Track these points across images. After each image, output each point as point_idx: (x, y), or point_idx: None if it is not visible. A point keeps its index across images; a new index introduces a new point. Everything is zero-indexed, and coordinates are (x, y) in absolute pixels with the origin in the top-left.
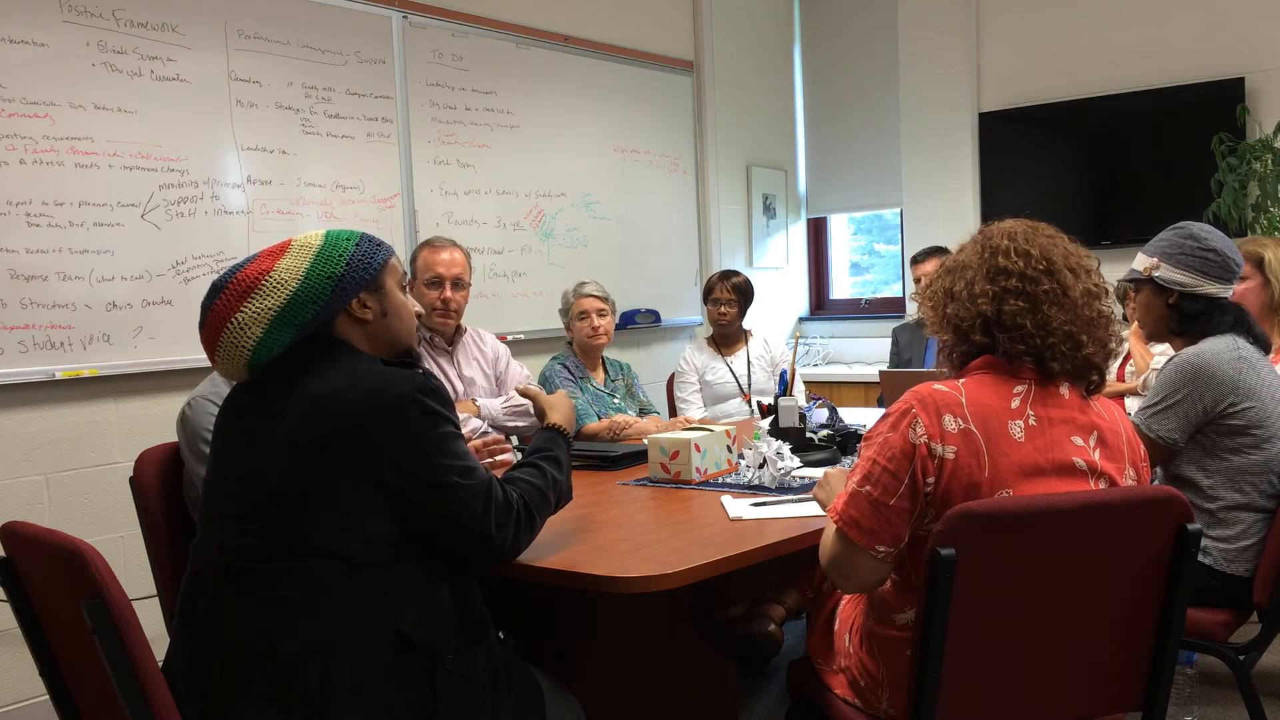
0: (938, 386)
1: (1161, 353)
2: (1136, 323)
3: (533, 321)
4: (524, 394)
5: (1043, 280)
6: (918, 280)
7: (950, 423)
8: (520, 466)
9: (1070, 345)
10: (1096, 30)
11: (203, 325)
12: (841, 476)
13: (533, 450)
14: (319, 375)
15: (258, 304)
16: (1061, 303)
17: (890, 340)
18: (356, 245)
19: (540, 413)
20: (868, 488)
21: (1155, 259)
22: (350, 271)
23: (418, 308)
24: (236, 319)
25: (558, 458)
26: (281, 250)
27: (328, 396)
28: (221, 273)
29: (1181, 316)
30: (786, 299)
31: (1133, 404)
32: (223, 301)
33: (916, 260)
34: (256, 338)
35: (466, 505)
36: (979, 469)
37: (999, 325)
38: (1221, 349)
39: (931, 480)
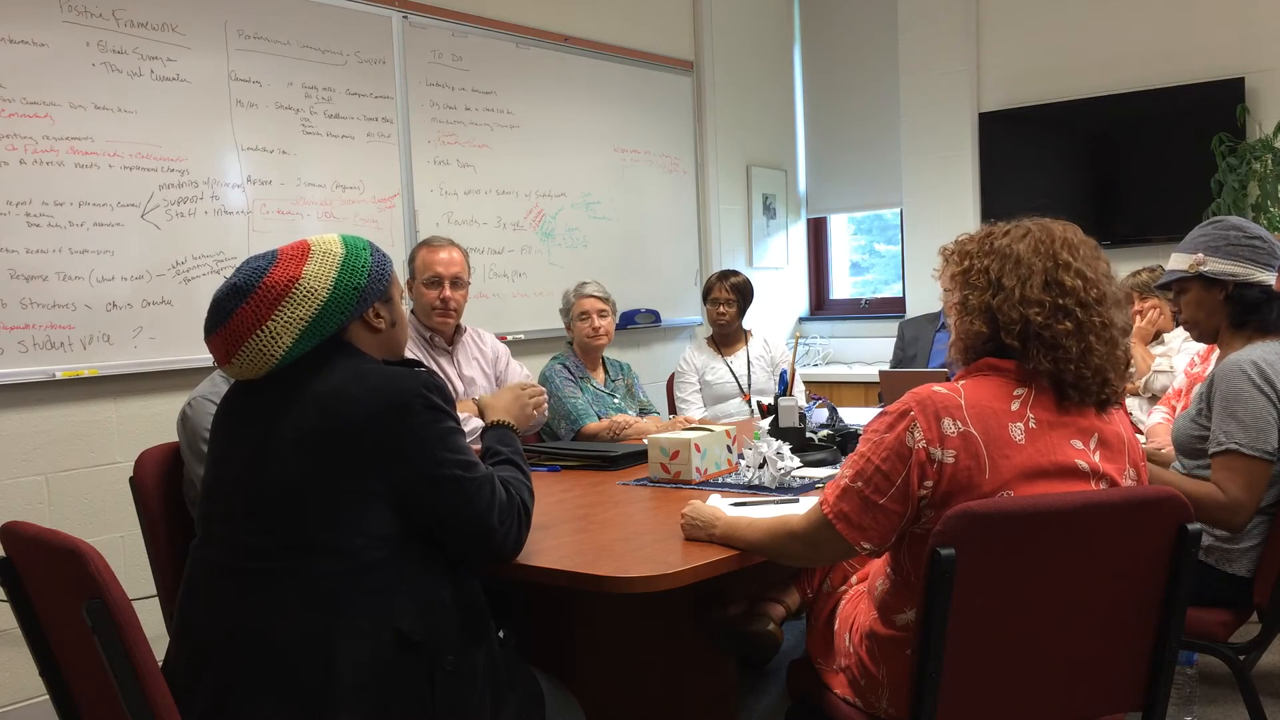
0: (937, 389)
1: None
2: (1183, 325)
3: (533, 321)
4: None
5: (1094, 309)
6: None
7: (949, 426)
8: (498, 466)
9: (1099, 381)
10: (1096, 30)
11: (218, 328)
12: (709, 509)
13: (499, 444)
14: (323, 375)
15: (290, 312)
16: (1103, 336)
17: (896, 335)
18: (372, 255)
19: (482, 413)
20: (859, 484)
21: (1199, 254)
22: (371, 282)
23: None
24: (268, 327)
25: (520, 451)
26: (302, 255)
27: (332, 394)
28: (235, 275)
29: (1243, 308)
30: (786, 299)
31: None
32: (250, 307)
33: None
34: (287, 346)
35: (470, 500)
36: (979, 471)
37: (1039, 339)
38: (1274, 358)
39: (930, 484)
